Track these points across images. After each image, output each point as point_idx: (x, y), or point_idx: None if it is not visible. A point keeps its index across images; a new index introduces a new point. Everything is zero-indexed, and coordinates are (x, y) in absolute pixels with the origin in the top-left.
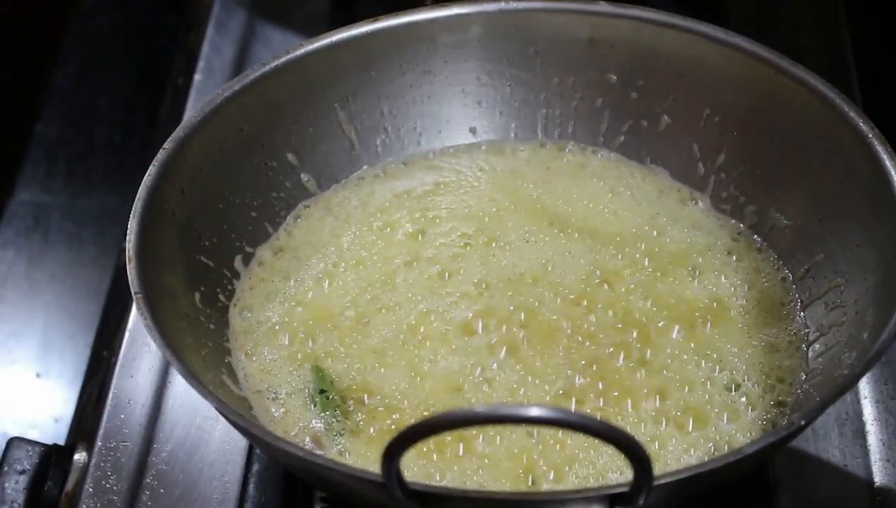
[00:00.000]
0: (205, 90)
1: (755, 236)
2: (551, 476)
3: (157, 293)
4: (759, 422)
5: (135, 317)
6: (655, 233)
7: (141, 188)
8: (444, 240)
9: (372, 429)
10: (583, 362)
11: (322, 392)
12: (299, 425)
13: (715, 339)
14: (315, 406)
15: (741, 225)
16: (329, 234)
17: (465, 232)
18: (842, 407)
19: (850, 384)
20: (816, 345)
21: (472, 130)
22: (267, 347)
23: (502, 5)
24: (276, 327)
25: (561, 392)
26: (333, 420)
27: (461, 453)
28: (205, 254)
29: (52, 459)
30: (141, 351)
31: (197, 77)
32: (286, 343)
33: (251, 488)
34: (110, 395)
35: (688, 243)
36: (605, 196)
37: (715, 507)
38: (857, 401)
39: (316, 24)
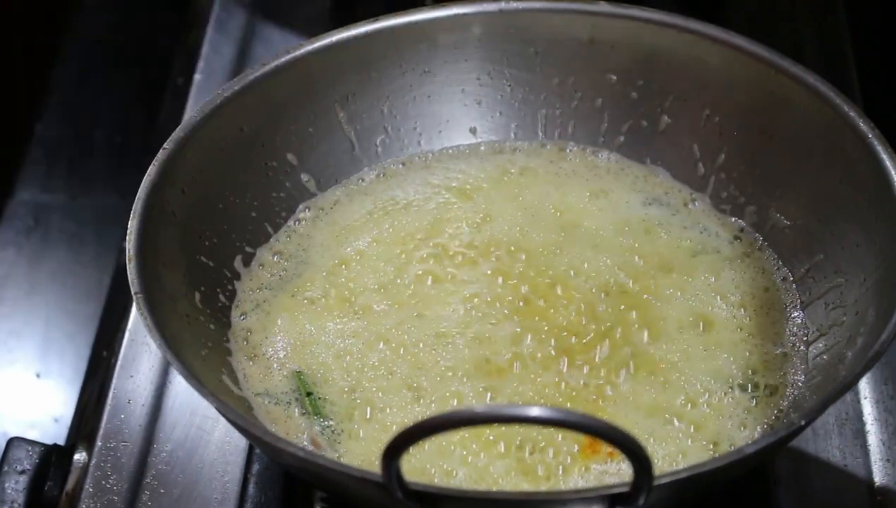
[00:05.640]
0: (205, 90)
1: (755, 236)
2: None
3: (157, 293)
4: (759, 422)
5: (135, 317)
6: (655, 232)
7: (141, 188)
8: (445, 242)
9: (371, 430)
10: (582, 360)
11: (309, 395)
12: (299, 426)
13: (714, 338)
14: (308, 408)
15: (741, 224)
16: (329, 236)
17: (465, 233)
18: (842, 407)
19: (850, 384)
20: (816, 345)
21: (472, 130)
22: (267, 348)
23: (502, 5)
24: (276, 329)
25: (560, 390)
26: (329, 421)
27: None
28: (205, 254)
29: (52, 459)
30: (141, 351)
31: (197, 77)
32: (286, 344)
33: (251, 488)
34: (110, 395)
35: (688, 243)
36: (605, 196)
37: (715, 507)
38: (857, 401)
39: (316, 24)
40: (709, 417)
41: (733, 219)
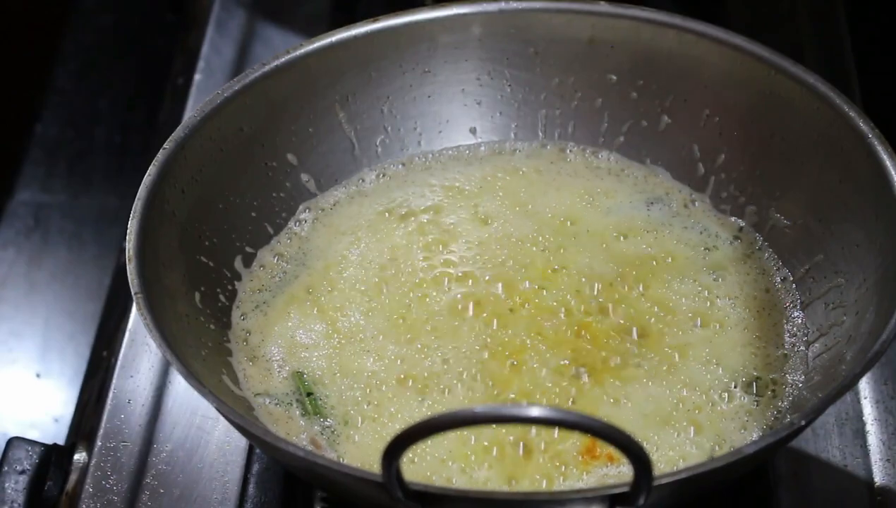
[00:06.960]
0: (205, 90)
1: (755, 236)
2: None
3: (157, 293)
4: (759, 422)
5: (135, 317)
6: (655, 233)
7: (141, 188)
8: (445, 243)
9: (371, 430)
10: (583, 361)
11: (309, 395)
12: (299, 426)
13: (715, 339)
14: (308, 409)
15: (741, 224)
16: (329, 238)
17: (465, 234)
18: (842, 407)
19: (850, 384)
20: (816, 345)
21: (472, 131)
22: (267, 349)
23: (502, 5)
24: (276, 330)
25: (560, 391)
26: (330, 421)
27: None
28: (205, 255)
29: (52, 459)
30: (141, 351)
31: (197, 77)
32: (286, 345)
33: (251, 488)
34: (110, 395)
35: (688, 243)
36: (606, 196)
37: (715, 507)
38: (857, 401)
39: (316, 24)
40: (709, 418)
41: (733, 219)
